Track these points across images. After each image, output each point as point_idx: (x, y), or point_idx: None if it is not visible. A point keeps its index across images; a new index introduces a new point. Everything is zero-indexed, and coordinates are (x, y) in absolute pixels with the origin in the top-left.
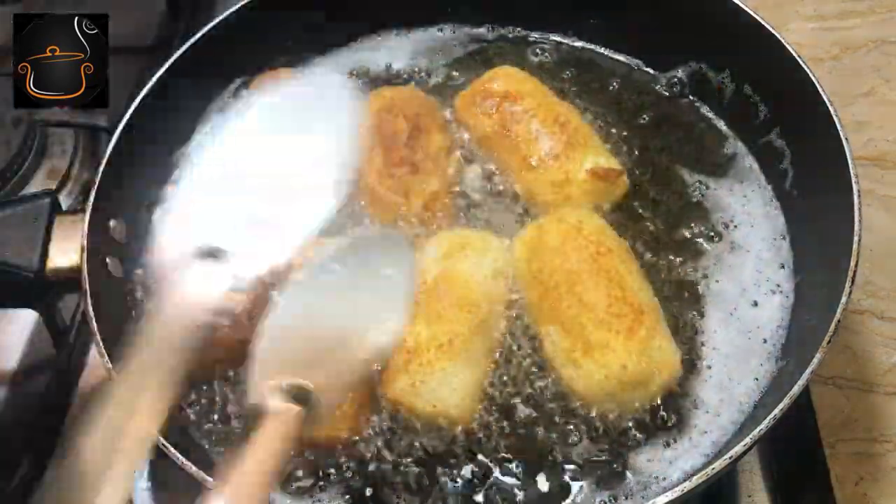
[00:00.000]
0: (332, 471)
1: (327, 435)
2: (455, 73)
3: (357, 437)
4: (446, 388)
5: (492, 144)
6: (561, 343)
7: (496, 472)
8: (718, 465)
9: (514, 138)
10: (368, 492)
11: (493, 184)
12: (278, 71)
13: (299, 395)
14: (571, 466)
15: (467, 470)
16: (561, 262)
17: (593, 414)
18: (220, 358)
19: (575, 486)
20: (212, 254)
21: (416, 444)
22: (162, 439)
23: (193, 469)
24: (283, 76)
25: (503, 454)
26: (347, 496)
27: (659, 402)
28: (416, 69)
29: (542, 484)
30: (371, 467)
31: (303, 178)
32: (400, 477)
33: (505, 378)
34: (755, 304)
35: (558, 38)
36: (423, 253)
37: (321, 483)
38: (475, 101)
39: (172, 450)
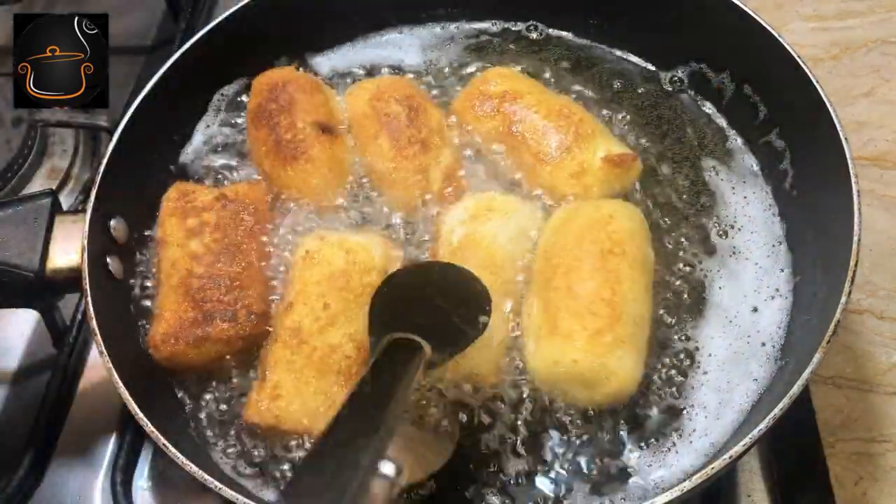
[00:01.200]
0: None
1: None
2: (459, 71)
3: None
4: (474, 348)
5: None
6: (534, 318)
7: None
8: (718, 464)
9: (522, 136)
10: None
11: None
12: (279, 70)
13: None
14: (567, 466)
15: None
16: (571, 246)
17: (593, 412)
18: (222, 354)
19: (575, 484)
20: None
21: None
22: (162, 438)
23: (193, 469)
24: (284, 75)
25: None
26: None
27: (663, 403)
28: (423, 66)
29: (540, 484)
30: None
31: None
32: None
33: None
34: (755, 304)
35: (559, 37)
36: (449, 215)
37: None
38: (473, 105)
39: (173, 449)
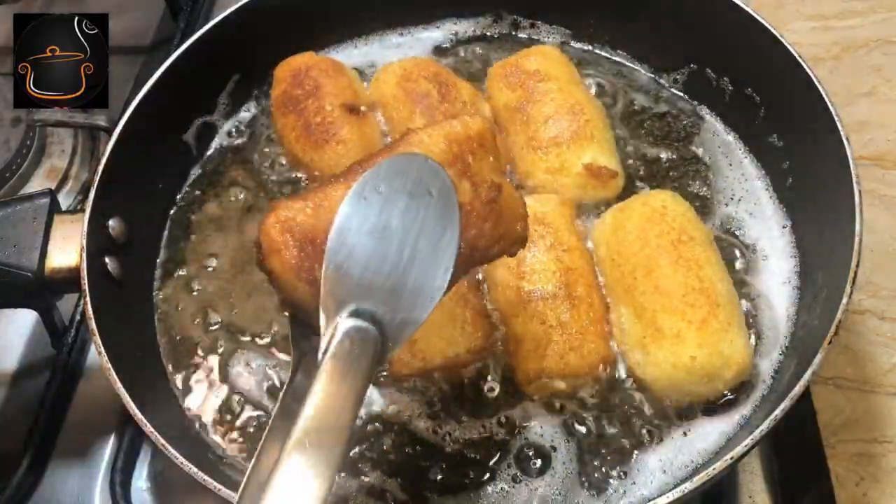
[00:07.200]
0: None
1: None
2: (462, 71)
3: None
4: None
5: (506, 117)
6: (631, 328)
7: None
8: (719, 465)
9: (528, 115)
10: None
11: None
12: (299, 56)
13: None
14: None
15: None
16: (640, 246)
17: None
18: None
19: (575, 487)
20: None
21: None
22: (162, 438)
23: (193, 469)
24: (305, 60)
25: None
26: None
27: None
28: None
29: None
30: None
31: None
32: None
33: None
34: (756, 303)
35: (558, 39)
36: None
37: None
38: (506, 73)
39: (172, 449)
